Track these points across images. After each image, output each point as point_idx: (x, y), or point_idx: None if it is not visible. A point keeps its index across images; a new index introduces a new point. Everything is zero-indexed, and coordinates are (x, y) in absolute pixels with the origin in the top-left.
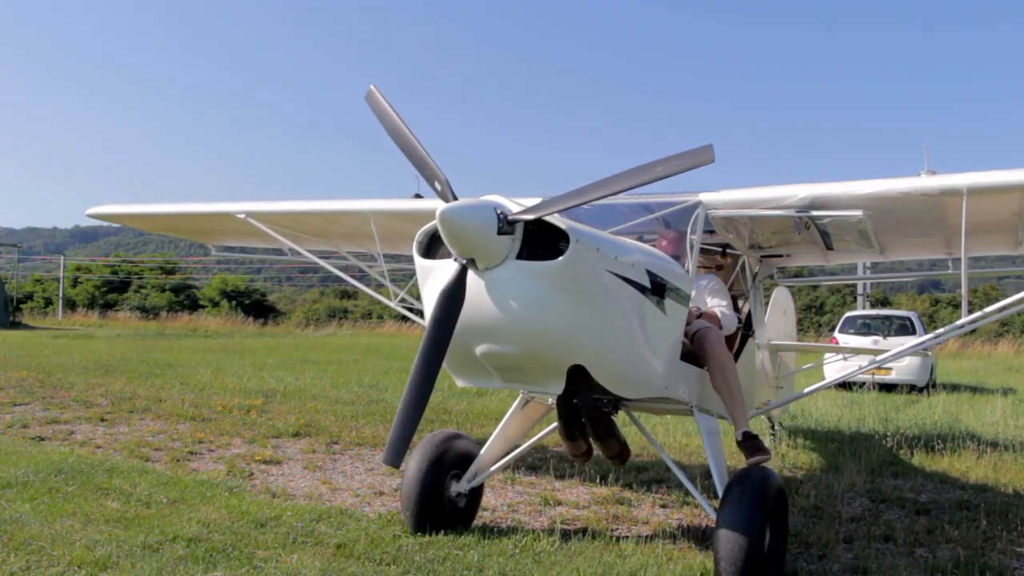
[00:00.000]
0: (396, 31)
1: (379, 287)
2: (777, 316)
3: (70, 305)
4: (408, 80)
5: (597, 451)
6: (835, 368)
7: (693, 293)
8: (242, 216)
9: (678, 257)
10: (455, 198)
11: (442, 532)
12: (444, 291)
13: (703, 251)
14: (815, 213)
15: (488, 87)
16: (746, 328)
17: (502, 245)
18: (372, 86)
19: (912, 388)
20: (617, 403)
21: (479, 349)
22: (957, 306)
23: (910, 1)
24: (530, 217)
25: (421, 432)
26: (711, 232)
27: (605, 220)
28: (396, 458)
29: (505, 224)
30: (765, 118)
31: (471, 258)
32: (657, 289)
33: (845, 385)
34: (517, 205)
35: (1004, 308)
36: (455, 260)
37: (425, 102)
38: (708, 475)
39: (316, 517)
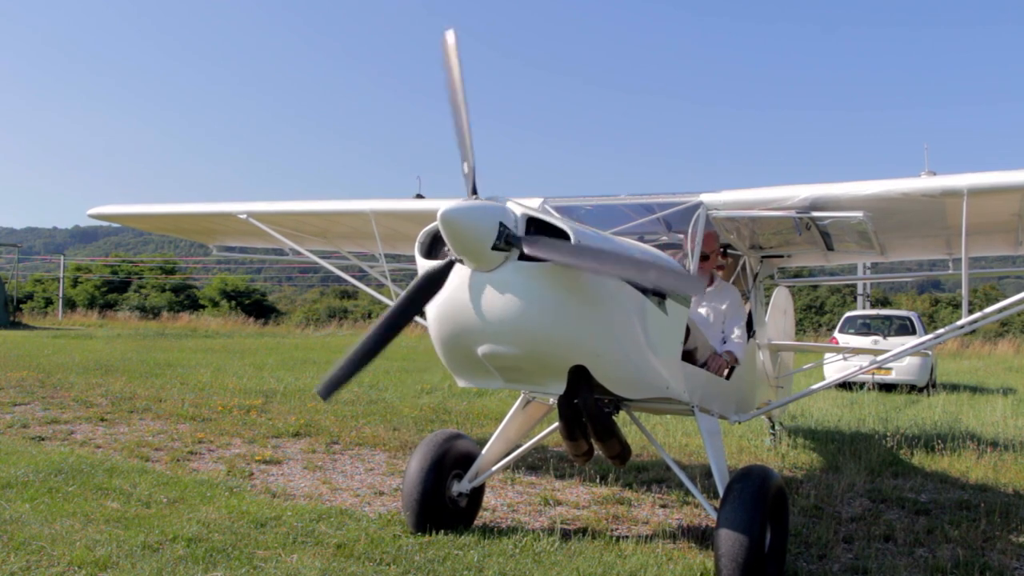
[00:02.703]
0: (397, 31)
1: (380, 287)
2: (777, 316)
3: (70, 305)
4: (408, 80)
5: (598, 451)
6: (835, 368)
7: (724, 307)
8: (243, 216)
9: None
10: (475, 191)
11: (442, 532)
12: (425, 273)
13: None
14: (816, 214)
15: (488, 87)
16: (747, 328)
17: (495, 257)
18: (450, 31)
19: (912, 388)
20: (618, 403)
21: (480, 350)
22: (957, 306)
23: (910, 1)
24: (529, 250)
25: (423, 432)
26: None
27: (607, 221)
28: (327, 392)
29: (503, 243)
30: (765, 118)
31: (461, 259)
32: (658, 290)
33: (845, 385)
34: (520, 207)
35: (1004, 308)
36: (446, 253)
37: (425, 102)
38: (708, 475)
39: (316, 517)
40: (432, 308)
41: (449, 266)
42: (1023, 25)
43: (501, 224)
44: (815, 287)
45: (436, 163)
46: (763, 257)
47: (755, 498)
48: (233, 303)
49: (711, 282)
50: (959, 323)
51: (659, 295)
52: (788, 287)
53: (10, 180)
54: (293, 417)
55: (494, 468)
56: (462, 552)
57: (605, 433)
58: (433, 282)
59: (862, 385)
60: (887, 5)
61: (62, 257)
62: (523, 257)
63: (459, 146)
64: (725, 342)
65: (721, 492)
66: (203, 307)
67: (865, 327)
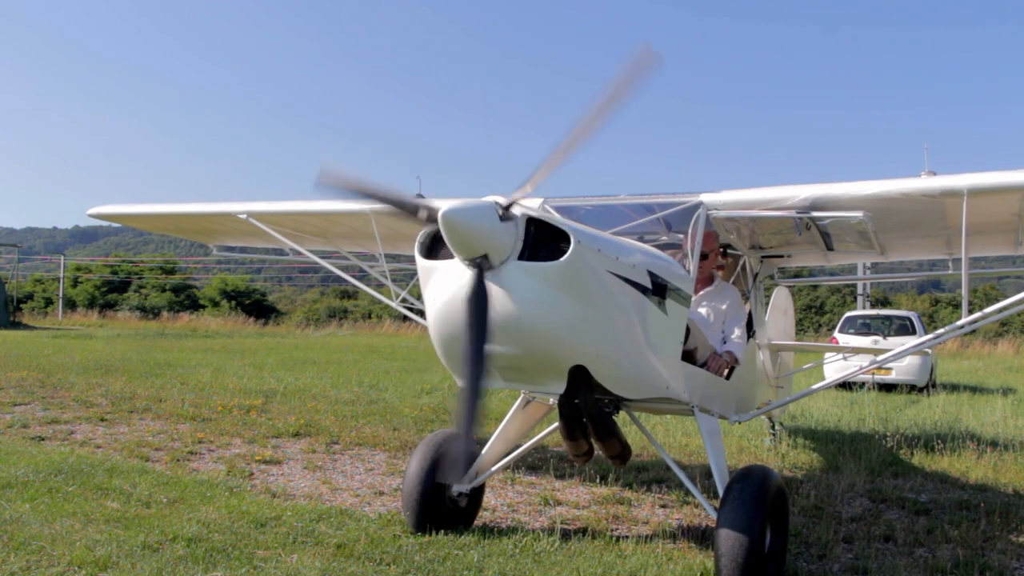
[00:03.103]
0: (396, 30)
1: (380, 287)
2: (777, 316)
3: (70, 305)
4: (408, 79)
5: (598, 451)
6: (835, 368)
7: (724, 307)
8: (243, 216)
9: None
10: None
11: (442, 532)
12: (467, 299)
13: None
14: (816, 214)
15: (488, 87)
16: (747, 328)
17: (507, 234)
18: (323, 168)
19: (912, 388)
20: (618, 403)
21: None
22: (957, 306)
23: (910, 1)
24: (523, 199)
25: (423, 432)
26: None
27: (607, 221)
28: (458, 475)
29: (504, 211)
30: (765, 118)
31: (483, 255)
32: (658, 290)
33: (845, 385)
34: (520, 207)
35: (1004, 308)
36: (467, 266)
37: (425, 102)
38: (708, 475)
39: (316, 517)
40: (432, 308)
41: (480, 273)
42: (1023, 25)
43: (494, 205)
44: (815, 287)
45: (436, 163)
46: (763, 257)
47: (755, 498)
48: (233, 303)
49: (711, 282)
50: (959, 323)
51: (659, 295)
52: (788, 287)
53: (10, 180)
54: (293, 417)
55: (494, 468)
56: (462, 552)
57: (605, 433)
58: (479, 299)
59: (862, 385)
60: (887, 5)
61: (62, 257)
62: (528, 254)
63: (407, 212)
64: (725, 342)
65: (721, 492)
66: (203, 307)
67: (865, 327)
